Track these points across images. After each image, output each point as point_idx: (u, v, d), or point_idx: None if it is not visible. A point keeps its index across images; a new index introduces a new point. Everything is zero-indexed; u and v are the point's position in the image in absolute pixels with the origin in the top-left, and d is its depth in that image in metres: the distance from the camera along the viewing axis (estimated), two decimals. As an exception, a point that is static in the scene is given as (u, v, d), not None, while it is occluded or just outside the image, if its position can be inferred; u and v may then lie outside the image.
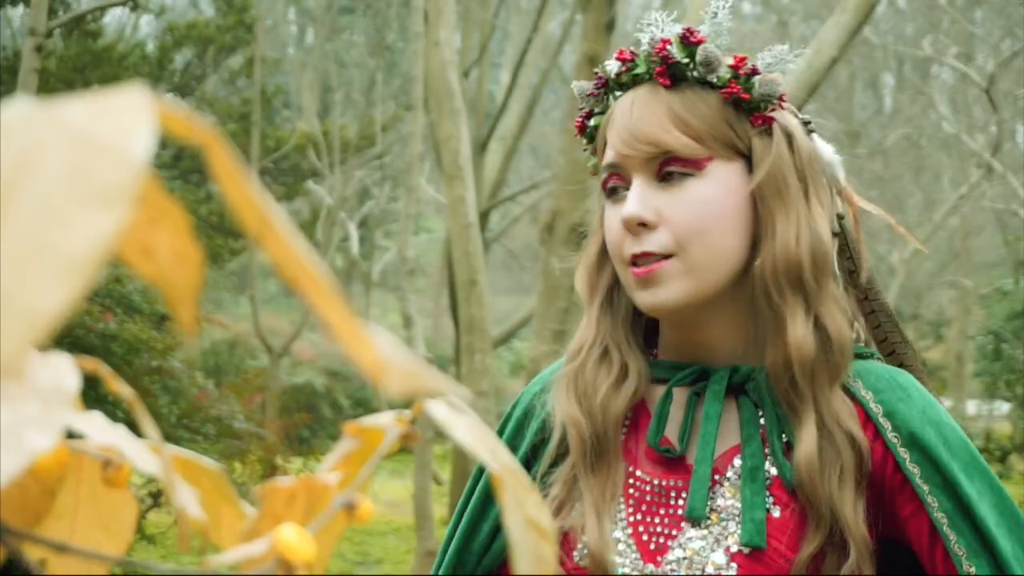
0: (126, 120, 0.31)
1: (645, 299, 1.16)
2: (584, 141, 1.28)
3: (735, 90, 1.16)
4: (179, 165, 13.86)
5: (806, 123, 1.22)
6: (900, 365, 1.24)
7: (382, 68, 15.96)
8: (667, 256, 1.14)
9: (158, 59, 13.26)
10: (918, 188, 17.77)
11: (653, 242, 1.15)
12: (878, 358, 1.22)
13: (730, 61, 1.18)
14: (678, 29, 1.19)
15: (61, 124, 0.31)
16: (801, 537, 1.11)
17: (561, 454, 1.23)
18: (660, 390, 1.22)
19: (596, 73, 1.25)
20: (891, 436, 1.13)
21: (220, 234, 13.66)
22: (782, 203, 1.16)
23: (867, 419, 1.14)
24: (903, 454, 1.12)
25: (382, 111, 15.70)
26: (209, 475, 0.43)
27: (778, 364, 1.14)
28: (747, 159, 1.17)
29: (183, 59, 13.92)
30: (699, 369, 1.20)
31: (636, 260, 1.16)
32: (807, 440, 1.11)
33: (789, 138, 1.18)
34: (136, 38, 15.39)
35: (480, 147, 10.76)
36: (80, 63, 11.58)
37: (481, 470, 1.28)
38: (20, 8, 11.12)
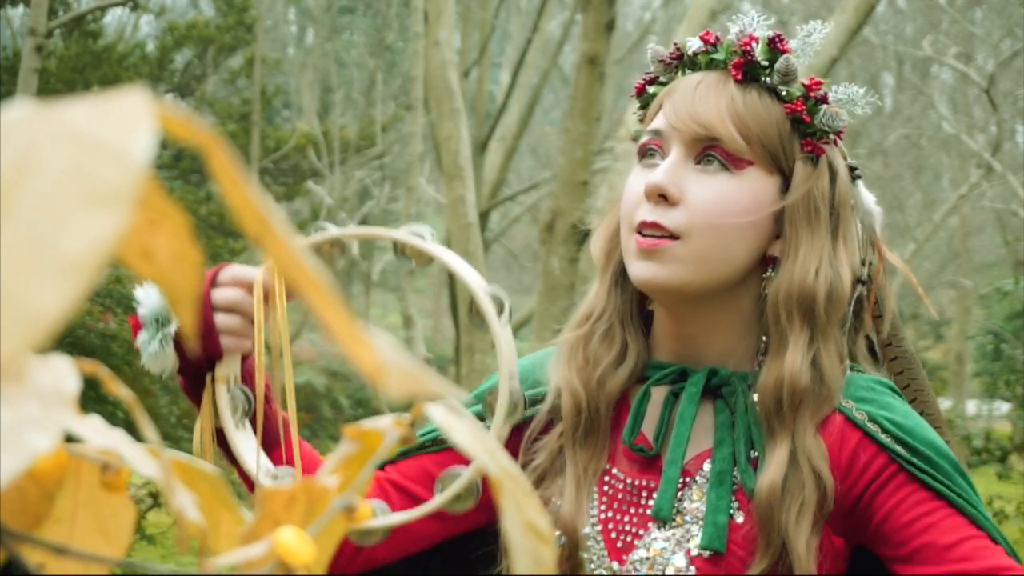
0: (126, 122, 0.31)
1: (640, 271, 1.16)
2: (636, 105, 1.27)
3: (799, 108, 1.16)
4: (179, 165, 13.85)
5: (853, 168, 1.23)
6: (921, 413, 1.24)
7: (382, 68, 15.96)
8: (674, 237, 1.14)
9: (158, 59, 13.25)
10: (918, 188, 17.77)
11: (667, 217, 1.14)
12: (858, 370, 1.22)
13: (805, 81, 1.18)
14: (768, 32, 1.19)
15: (62, 125, 0.31)
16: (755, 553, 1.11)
17: (551, 421, 1.23)
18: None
19: (675, 44, 1.24)
20: (884, 438, 1.13)
21: (220, 234, 13.66)
22: (809, 231, 1.16)
23: (848, 424, 1.14)
24: (899, 449, 1.12)
25: (382, 111, 15.69)
26: (207, 479, 0.43)
27: (769, 385, 1.14)
28: (785, 179, 1.17)
29: (183, 59, 13.91)
30: (679, 369, 1.20)
31: (643, 229, 1.15)
32: (775, 467, 1.11)
33: (833, 175, 1.19)
34: (136, 38, 15.39)
35: (480, 147, 10.76)
36: (80, 63, 11.57)
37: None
38: (20, 8, 11.12)
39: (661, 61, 1.24)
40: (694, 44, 1.21)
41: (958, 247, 16.80)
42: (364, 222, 18.60)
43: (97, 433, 0.39)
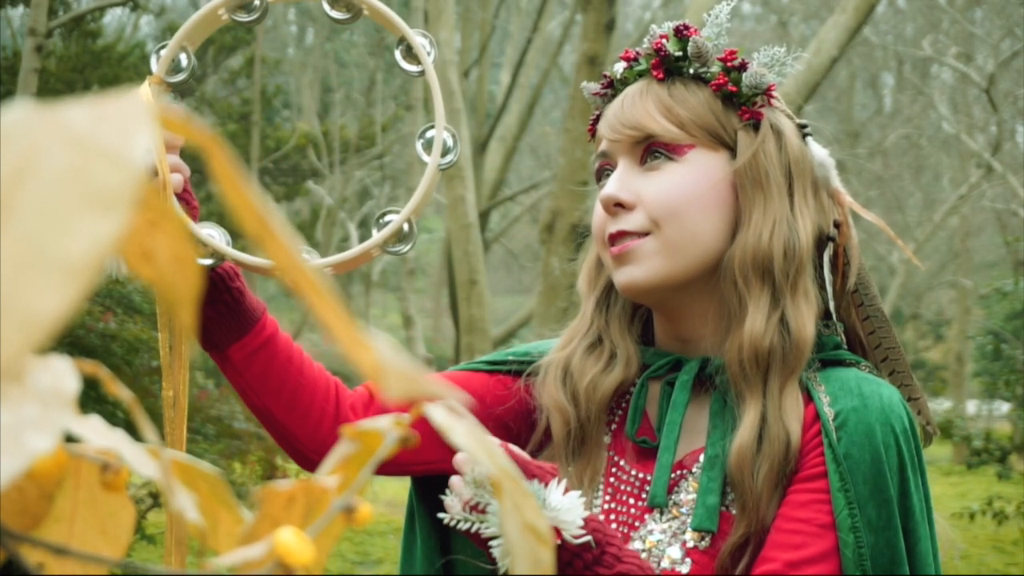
0: (126, 124, 0.31)
1: (621, 277, 1.18)
2: (593, 145, 1.30)
3: (723, 82, 1.18)
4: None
5: (802, 127, 1.23)
6: (892, 372, 1.24)
7: (382, 68, 15.95)
8: (644, 234, 1.17)
9: (158, 59, 13.22)
10: (918, 188, 17.76)
11: (629, 222, 1.17)
12: (866, 366, 1.20)
13: (720, 55, 1.20)
14: (672, 25, 1.22)
15: (61, 128, 0.31)
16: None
17: (547, 439, 1.25)
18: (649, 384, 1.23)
19: (604, 75, 1.27)
20: (832, 437, 1.11)
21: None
22: (762, 195, 1.17)
23: (816, 418, 1.12)
24: (833, 465, 1.08)
25: (382, 111, 15.70)
26: (207, 479, 0.43)
27: (733, 351, 1.15)
28: (733, 151, 1.19)
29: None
30: (673, 359, 1.21)
31: (613, 240, 1.18)
32: (745, 430, 1.11)
33: (778, 136, 1.20)
34: (136, 38, 15.38)
35: (480, 147, 10.76)
36: (80, 63, 11.57)
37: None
38: (20, 8, 11.12)
39: (596, 95, 1.28)
40: (619, 67, 1.25)
41: (958, 247, 16.79)
42: (364, 222, 18.62)
43: (97, 433, 0.39)
